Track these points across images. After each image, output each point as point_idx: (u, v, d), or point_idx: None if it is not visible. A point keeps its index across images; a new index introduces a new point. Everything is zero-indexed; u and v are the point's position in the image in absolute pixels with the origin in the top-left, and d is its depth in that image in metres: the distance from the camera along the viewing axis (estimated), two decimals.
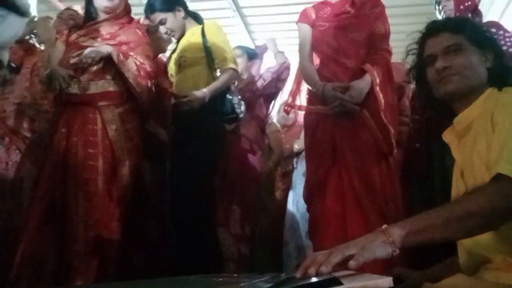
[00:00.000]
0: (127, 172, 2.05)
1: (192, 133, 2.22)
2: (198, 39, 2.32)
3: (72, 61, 2.05)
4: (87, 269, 1.88)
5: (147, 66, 2.16)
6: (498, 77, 1.13)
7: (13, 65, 2.47)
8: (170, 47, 2.61)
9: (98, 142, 2.02)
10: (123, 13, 2.23)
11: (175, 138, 2.33)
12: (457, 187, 1.13)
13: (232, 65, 2.31)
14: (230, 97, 2.44)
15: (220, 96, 2.33)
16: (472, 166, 1.03)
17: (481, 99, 1.11)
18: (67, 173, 1.99)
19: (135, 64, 2.11)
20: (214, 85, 2.27)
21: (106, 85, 2.08)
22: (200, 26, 2.37)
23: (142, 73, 2.12)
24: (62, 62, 2.10)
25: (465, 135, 1.12)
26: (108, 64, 2.08)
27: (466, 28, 1.17)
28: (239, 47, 3.14)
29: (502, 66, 1.15)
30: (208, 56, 2.30)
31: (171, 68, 2.40)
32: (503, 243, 0.96)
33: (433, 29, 1.21)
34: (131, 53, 2.14)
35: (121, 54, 2.09)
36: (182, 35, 2.42)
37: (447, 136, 1.20)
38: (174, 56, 2.40)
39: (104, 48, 2.06)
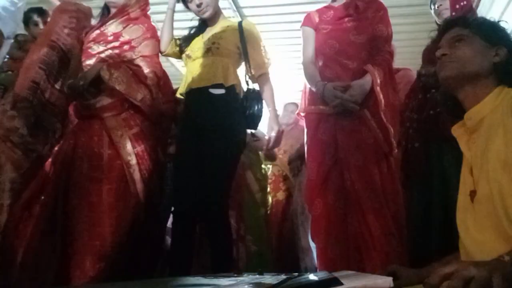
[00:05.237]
0: (138, 177, 2.02)
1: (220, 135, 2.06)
2: (235, 33, 2.20)
3: (70, 82, 2.08)
4: (85, 278, 1.84)
5: (145, 68, 2.12)
6: (509, 75, 1.12)
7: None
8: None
9: (103, 153, 2.01)
10: (133, 9, 2.20)
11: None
12: (465, 184, 1.12)
13: (268, 70, 2.25)
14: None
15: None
16: (486, 164, 1.03)
17: (493, 95, 1.11)
18: (70, 185, 2.00)
19: (130, 71, 2.07)
20: (271, 94, 2.20)
21: (106, 98, 2.07)
22: (236, 22, 2.28)
23: (139, 78, 2.09)
24: (79, 71, 2.13)
25: (475, 130, 1.12)
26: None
27: (475, 22, 1.19)
28: None
29: None
30: (245, 55, 2.19)
31: (193, 49, 2.23)
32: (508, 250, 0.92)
33: (445, 25, 1.25)
34: (128, 54, 2.11)
35: (111, 69, 2.04)
36: (211, 20, 2.27)
37: (457, 131, 1.19)
38: (202, 39, 2.24)
39: (94, 70, 2.05)
